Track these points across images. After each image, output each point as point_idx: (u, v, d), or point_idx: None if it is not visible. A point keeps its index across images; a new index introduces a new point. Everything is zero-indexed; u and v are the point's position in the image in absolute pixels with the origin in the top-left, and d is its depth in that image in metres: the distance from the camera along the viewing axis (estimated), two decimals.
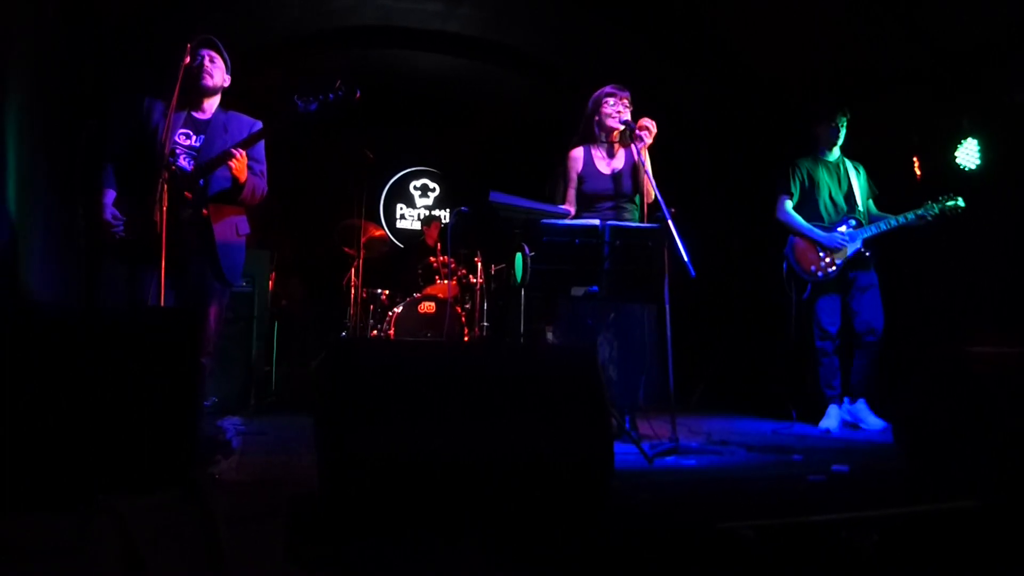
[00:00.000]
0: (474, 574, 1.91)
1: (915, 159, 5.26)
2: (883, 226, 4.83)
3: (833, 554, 2.07)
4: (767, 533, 2.17)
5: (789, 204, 5.06)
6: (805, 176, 5.07)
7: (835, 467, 3.37)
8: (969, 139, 5.05)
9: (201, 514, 1.25)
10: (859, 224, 4.91)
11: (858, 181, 5.04)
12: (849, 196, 5.01)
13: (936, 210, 4.69)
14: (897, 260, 5.20)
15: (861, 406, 4.86)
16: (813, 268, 4.93)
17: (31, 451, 1.53)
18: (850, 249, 4.85)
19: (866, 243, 4.86)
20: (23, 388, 1.58)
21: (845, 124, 5.05)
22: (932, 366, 3.33)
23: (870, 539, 1.99)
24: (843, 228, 4.92)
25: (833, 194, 5.02)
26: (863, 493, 3.04)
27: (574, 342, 4.25)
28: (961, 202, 4.69)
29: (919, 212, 4.74)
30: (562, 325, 4.48)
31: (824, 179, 5.05)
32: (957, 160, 5.08)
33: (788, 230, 5.05)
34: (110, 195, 3.50)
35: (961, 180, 4.96)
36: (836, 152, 5.11)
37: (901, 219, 4.79)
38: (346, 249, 7.14)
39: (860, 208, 4.97)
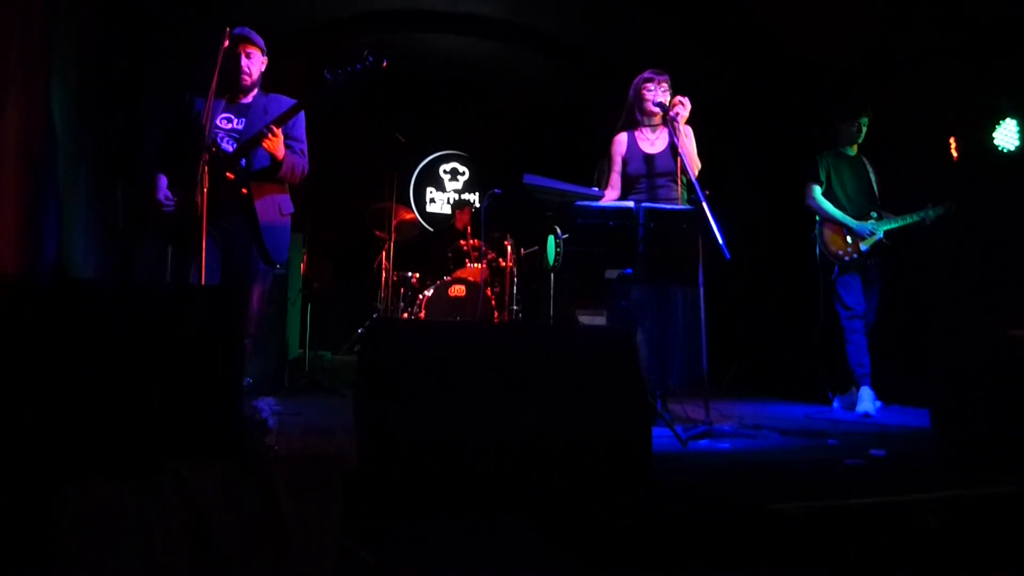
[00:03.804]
0: (514, 554, 1.93)
1: (952, 140, 5.19)
2: (899, 222, 5.02)
3: (880, 536, 2.07)
4: (811, 514, 2.17)
5: (818, 191, 5.21)
6: (830, 167, 5.23)
7: (872, 451, 3.35)
8: (1008, 119, 4.97)
9: (262, 484, 1.28)
10: (880, 217, 5.08)
11: (873, 177, 5.21)
12: (869, 191, 5.18)
13: (932, 215, 4.93)
14: (932, 242, 5.19)
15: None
16: (840, 252, 5.09)
17: (91, 420, 1.57)
18: (876, 236, 5.02)
19: (887, 235, 5.03)
20: (79, 361, 1.62)
21: (867, 123, 5.18)
22: (970, 349, 3.31)
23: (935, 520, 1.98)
24: (868, 220, 5.08)
25: (854, 188, 5.19)
26: (901, 477, 3.02)
27: (626, 324, 4.25)
28: (950, 209, 4.91)
29: (920, 214, 4.96)
30: (615, 308, 4.47)
31: (845, 173, 5.22)
32: (995, 141, 5.01)
33: (819, 215, 5.20)
34: (163, 179, 3.61)
35: (999, 161, 4.90)
36: (854, 149, 5.26)
37: (909, 218, 4.99)
38: (377, 232, 7.19)
39: (877, 202, 5.16)
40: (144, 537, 1.18)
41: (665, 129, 4.46)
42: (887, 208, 5.12)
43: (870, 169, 5.21)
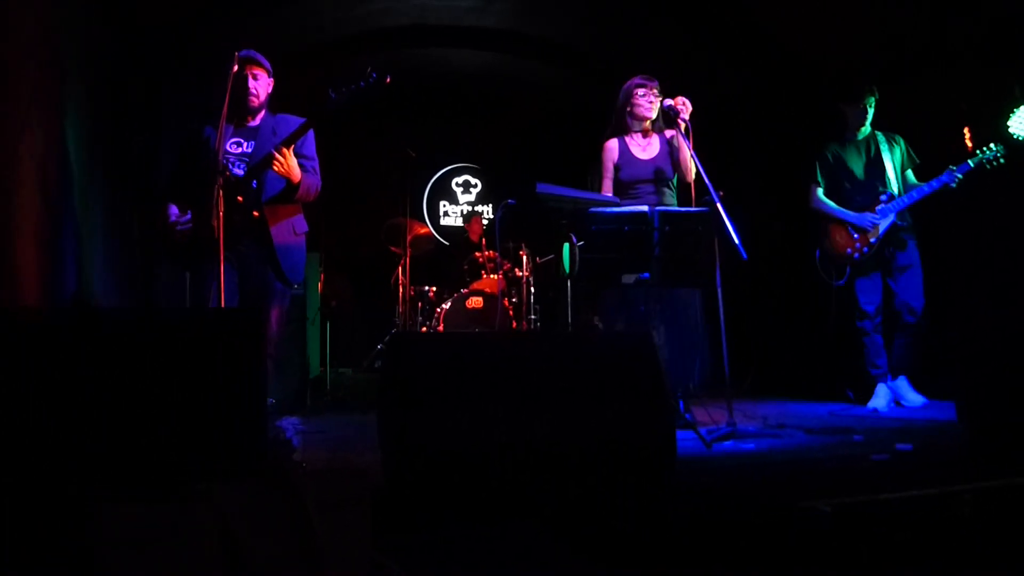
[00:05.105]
0: (541, 560, 1.93)
1: (966, 129, 5.15)
2: (915, 195, 4.82)
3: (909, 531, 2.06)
4: (840, 512, 2.16)
5: (820, 192, 5.14)
6: (832, 160, 5.13)
7: (899, 446, 3.33)
8: (1022, 107, 4.93)
9: (293, 501, 1.29)
10: (892, 198, 4.91)
11: (892, 154, 5.03)
12: (878, 172, 5.01)
13: (959, 175, 4.69)
14: (950, 230, 5.13)
15: (902, 383, 4.94)
16: (849, 250, 4.98)
17: (121, 445, 1.59)
18: (883, 225, 4.88)
19: (901, 215, 4.88)
20: (110, 389, 1.64)
21: (873, 104, 5.06)
22: (991, 338, 3.28)
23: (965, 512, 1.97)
24: (878, 205, 4.92)
25: (861, 173, 5.05)
26: (928, 471, 3.00)
27: (625, 329, 4.25)
28: (1000, 148, 4.69)
29: (941, 179, 4.74)
30: (609, 313, 4.48)
31: (853, 159, 5.09)
32: (1010, 129, 4.96)
33: (822, 217, 5.11)
34: (173, 209, 3.66)
35: (1014, 149, 4.85)
36: (866, 130, 5.11)
37: (926, 187, 4.79)
38: (392, 248, 7.22)
39: (892, 182, 4.96)
40: (179, 555, 1.19)
41: (656, 135, 4.48)
42: (923, 177, 4.92)
43: (885, 146, 5.03)
